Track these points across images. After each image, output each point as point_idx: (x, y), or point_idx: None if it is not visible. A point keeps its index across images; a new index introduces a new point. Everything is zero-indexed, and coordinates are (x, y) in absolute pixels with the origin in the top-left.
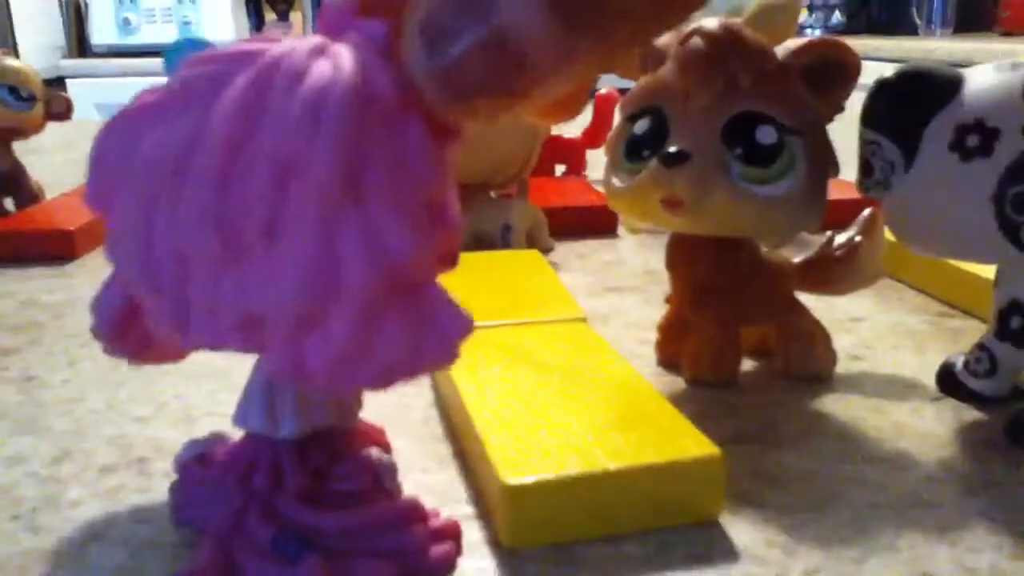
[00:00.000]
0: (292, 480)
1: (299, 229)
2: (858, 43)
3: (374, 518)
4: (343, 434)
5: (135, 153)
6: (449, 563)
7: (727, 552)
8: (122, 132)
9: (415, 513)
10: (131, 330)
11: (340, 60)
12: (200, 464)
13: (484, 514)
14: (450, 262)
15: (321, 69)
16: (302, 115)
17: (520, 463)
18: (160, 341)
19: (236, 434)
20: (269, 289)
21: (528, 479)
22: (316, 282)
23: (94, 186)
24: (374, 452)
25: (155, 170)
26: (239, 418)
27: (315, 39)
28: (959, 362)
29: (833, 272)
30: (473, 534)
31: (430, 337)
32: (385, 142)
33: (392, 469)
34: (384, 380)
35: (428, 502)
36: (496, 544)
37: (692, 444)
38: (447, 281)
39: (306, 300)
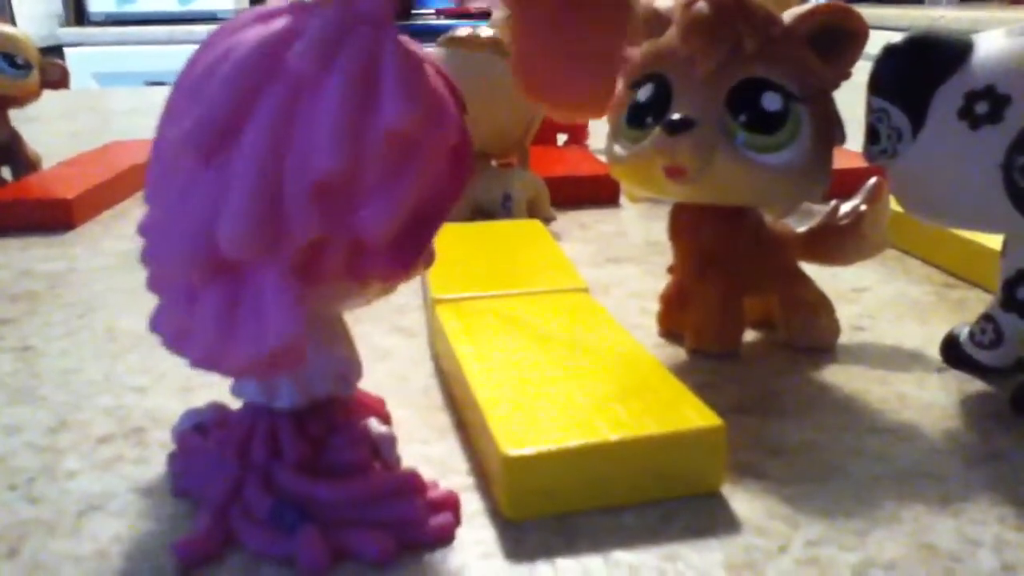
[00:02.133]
0: (290, 450)
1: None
2: (863, 12)
3: (372, 489)
4: (342, 404)
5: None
6: (447, 534)
7: (728, 523)
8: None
9: (413, 484)
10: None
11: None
12: (198, 433)
13: (484, 485)
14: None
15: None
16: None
17: (521, 434)
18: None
19: (234, 404)
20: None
21: (528, 450)
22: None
23: None
24: (373, 423)
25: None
26: (236, 387)
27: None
28: (964, 333)
29: (837, 242)
30: (473, 504)
31: (244, 330)
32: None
33: (391, 440)
34: (210, 362)
35: (428, 472)
36: (496, 515)
37: (694, 415)
38: (448, 251)
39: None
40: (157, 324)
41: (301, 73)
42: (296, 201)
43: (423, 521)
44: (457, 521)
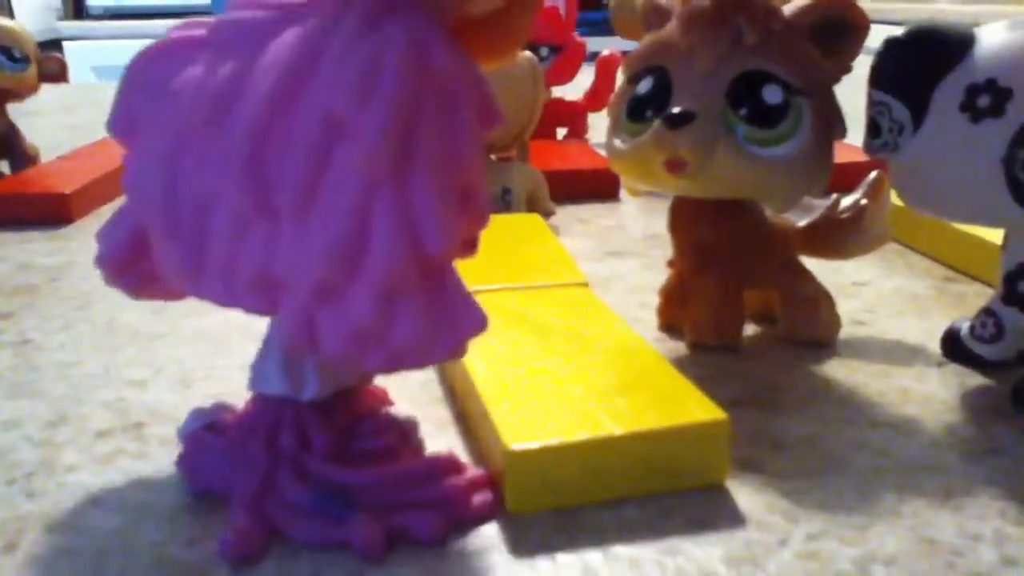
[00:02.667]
0: (320, 440)
1: (337, 196)
2: (864, 5)
3: (414, 471)
4: (359, 394)
5: (168, 85)
6: (490, 511)
7: (729, 517)
8: (156, 64)
9: (454, 465)
10: (137, 264)
11: (396, 25)
12: (212, 432)
13: None
14: (471, 248)
15: (378, 33)
16: (359, 79)
17: (524, 428)
18: (164, 280)
19: (238, 400)
20: (296, 254)
21: (532, 444)
22: (343, 253)
23: (121, 114)
24: (394, 410)
25: (190, 112)
26: (257, 381)
27: (367, 3)
28: (965, 327)
29: (838, 236)
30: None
31: (446, 330)
32: (437, 116)
33: (416, 426)
34: (392, 365)
35: None
36: (496, 508)
37: (697, 408)
38: None
39: (330, 270)
40: (351, 335)
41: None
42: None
43: (467, 499)
44: (497, 500)
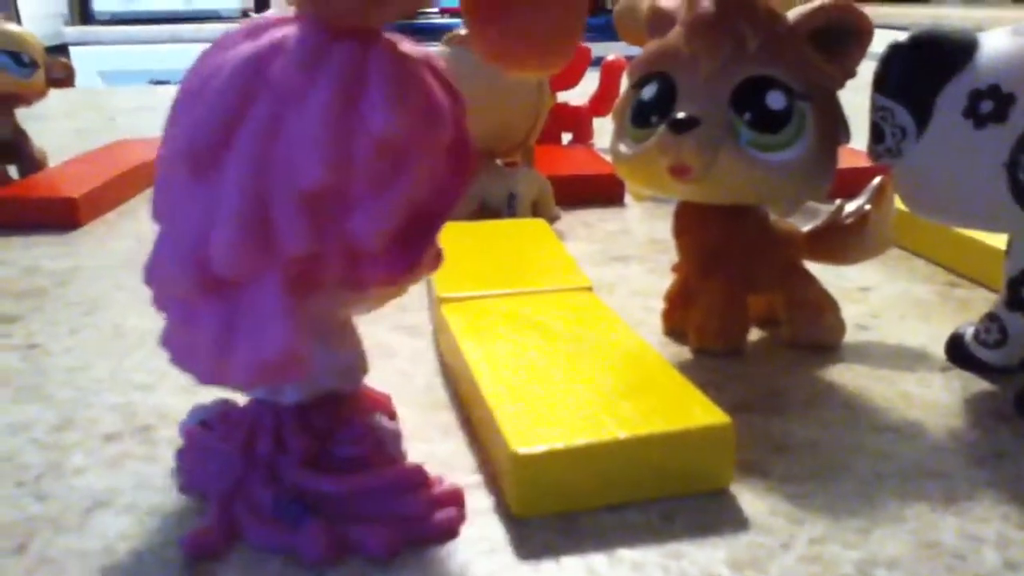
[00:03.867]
0: (294, 444)
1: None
2: (868, 10)
3: (376, 483)
4: (347, 400)
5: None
6: (452, 529)
7: (732, 521)
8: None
9: (418, 478)
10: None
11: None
12: (204, 429)
13: (490, 482)
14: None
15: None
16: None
17: (529, 432)
18: None
19: (241, 400)
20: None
21: (538, 448)
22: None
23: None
24: (378, 418)
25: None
26: None
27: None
28: (968, 332)
29: (842, 241)
30: (478, 502)
31: (242, 344)
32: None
33: (396, 435)
34: (212, 377)
35: (433, 471)
36: (501, 512)
37: (702, 412)
38: (452, 250)
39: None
40: (165, 340)
41: (285, 86)
42: (285, 214)
43: (427, 516)
44: (462, 517)
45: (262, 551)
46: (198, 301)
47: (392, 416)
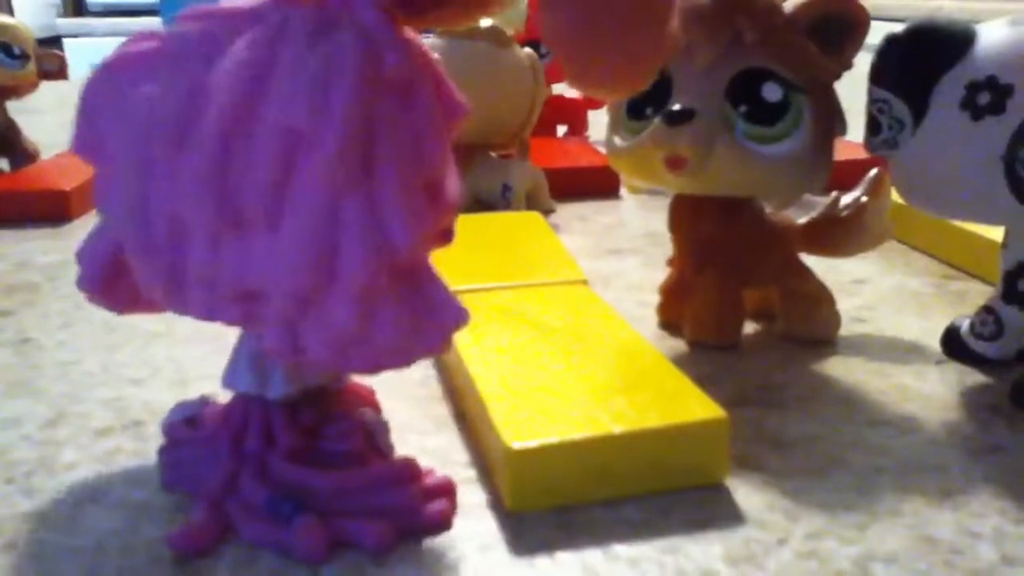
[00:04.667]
0: (284, 440)
1: (303, 206)
2: (864, 1)
3: (368, 477)
4: (334, 394)
5: (127, 103)
6: (444, 521)
7: (728, 516)
8: (114, 80)
9: (409, 471)
10: (119, 283)
11: (348, 30)
12: (189, 426)
13: (485, 477)
14: (446, 239)
15: (331, 38)
16: (312, 87)
17: (523, 426)
18: (146, 296)
19: (224, 396)
20: (269, 265)
21: (532, 443)
22: (315, 262)
23: (83, 133)
24: (366, 412)
25: (152, 127)
26: (228, 379)
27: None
28: (964, 325)
29: (838, 234)
30: (474, 497)
31: (428, 325)
32: (395, 118)
33: (384, 429)
34: (378, 366)
35: (427, 464)
36: (496, 507)
37: (697, 407)
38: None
39: (304, 280)
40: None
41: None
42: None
43: (419, 508)
44: (453, 508)
45: (257, 548)
46: (386, 288)
47: (377, 410)
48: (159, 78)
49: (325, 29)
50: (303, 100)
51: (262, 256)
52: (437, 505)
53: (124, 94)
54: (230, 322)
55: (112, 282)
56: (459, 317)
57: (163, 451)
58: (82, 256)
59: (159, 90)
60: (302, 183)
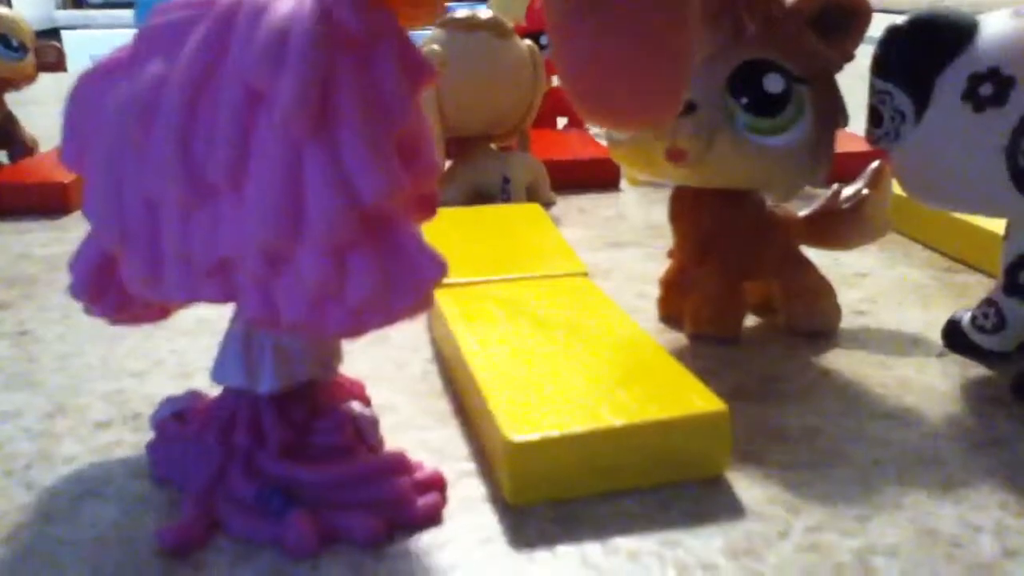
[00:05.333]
0: (273, 435)
1: (264, 163)
2: None
3: (358, 470)
4: (323, 388)
5: (102, 109)
6: (435, 514)
7: (729, 509)
8: (93, 88)
9: (399, 465)
10: (108, 289)
11: None
12: (178, 421)
13: (484, 470)
14: (428, 208)
15: (285, 1)
16: (267, 45)
17: (523, 420)
18: (138, 299)
19: (215, 390)
20: (239, 229)
21: (532, 436)
22: (280, 219)
23: (68, 145)
24: (355, 406)
25: (121, 118)
26: (217, 373)
27: None
28: (966, 317)
29: (839, 226)
30: (472, 490)
31: (402, 276)
32: (354, 74)
33: (374, 423)
34: (354, 325)
35: (428, 459)
36: (495, 501)
37: (698, 399)
38: (446, 235)
39: (271, 237)
40: (289, 310)
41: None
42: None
43: (410, 501)
44: (443, 502)
45: (249, 543)
46: (352, 244)
47: (367, 403)
48: (128, 76)
49: None
50: (261, 57)
51: (230, 221)
52: (428, 498)
53: (99, 101)
54: (210, 299)
55: (101, 288)
56: (436, 269)
57: (153, 446)
58: (72, 268)
59: (129, 83)
60: (263, 141)
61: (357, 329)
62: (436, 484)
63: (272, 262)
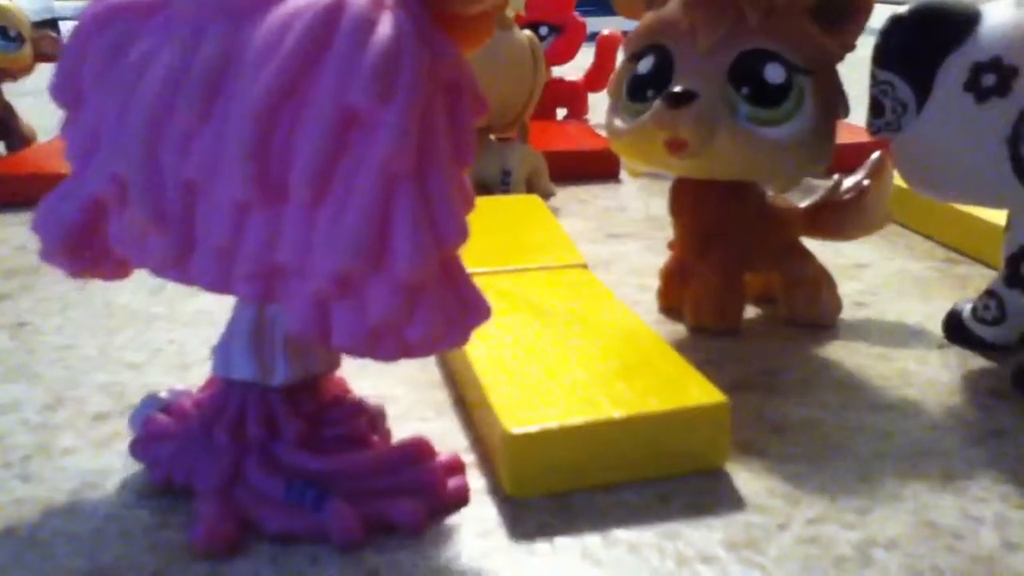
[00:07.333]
0: (289, 427)
1: (355, 188)
2: None
3: (390, 457)
4: (326, 381)
5: (124, 55)
6: (465, 495)
7: (729, 501)
8: (106, 29)
9: (425, 450)
10: (89, 243)
11: (402, 13)
12: (167, 419)
13: (484, 462)
14: None
15: (389, 22)
16: (376, 72)
17: (523, 411)
18: (112, 259)
19: (194, 387)
20: (306, 242)
21: (532, 428)
22: (366, 247)
23: (66, 74)
24: (368, 397)
25: (166, 92)
26: (222, 366)
27: None
28: (966, 309)
29: (839, 217)
30: (473, 482)
31: (456, 323)
32: (446, 109)
33: (383, 412)
34: (400, 355)
35: None
36: (495, 492)
37: (698, 391)
38: None
39: (353, 262)
40: (341, 336)
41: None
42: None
43: (442, 484)
44: (467, 483)
45: (285, 538)
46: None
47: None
48: (169, 34)
49: (381, 12)
50: (370, 86)
51: (297, 232)
52: (456, 481)
53: (119, 43)
54: (244, 296)
55: (82, 242)
56: (484, 314)
57: (140, 447)
58: (47, 212)
59: (176, 48)
60: (355, 164)
61: (399, 357)
62: (459, 467)
63: (342, 286)
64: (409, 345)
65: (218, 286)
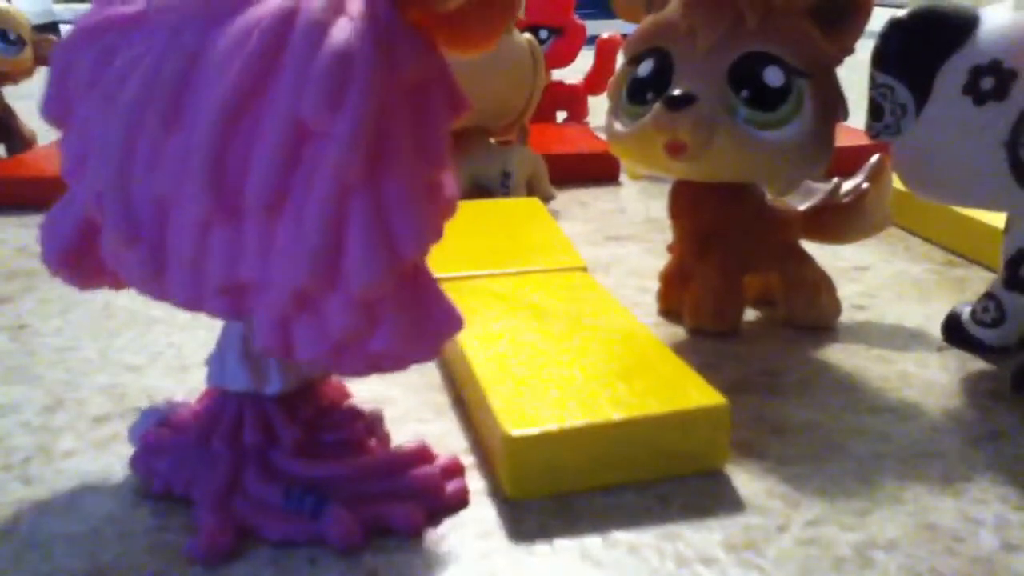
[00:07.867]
0: (287, 435)
1: (308, 201)
2: None
3: (387, 462)
4: (324, 386)
5: (108, 68)
6: (464, 498)
7: (728, 503)
8: (93, 42)
9: (424, 454)
10: (85, 256)
11: (360, 20)
12: (166, 431)
13: (484, 464)
14: (438, 236)
15: (343, 28)
16: (326, 82)
17: (522, 414)
18: (112, 271)
19: (191, 397)
20: (264, 258)
21: (531, 430)
22: (318, 266)
23: (54, 94)
24: (365, 403)
25: (138, 104)
26: (216, 376)
27: None
28: (966, 311)
29: (839, 220)
30: (473, 484)
31: (423, 330)
32: (407, 116)
33: (381, 417)
34: (370, 368)
35: None
36: (495, 494)
37: (697, 393)
38: (446, 227)
39: (308, 278)
40: (306, 348)
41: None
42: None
43: (441, 488)
44: (467, 486)
45: (284, 545)
46: (396, 288)
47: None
48: (147, 44)
49: (338, 15)
50: (320, 97)
51: (256, 247)
52: (455, 484)
53: (104, 56)
54: (215, 313)
55: (78, 256)
56: (454, 324)
57: (139, 460)
58: (46, 230)
59: (149, 59)
60: (309, 176)
61: (367, 371)
62: (458, 470)
63: (299, 302)
64: (375, 358)
65: (192, 304)
